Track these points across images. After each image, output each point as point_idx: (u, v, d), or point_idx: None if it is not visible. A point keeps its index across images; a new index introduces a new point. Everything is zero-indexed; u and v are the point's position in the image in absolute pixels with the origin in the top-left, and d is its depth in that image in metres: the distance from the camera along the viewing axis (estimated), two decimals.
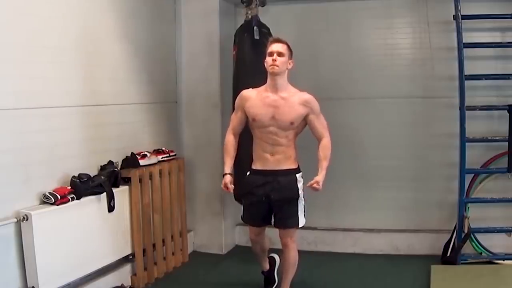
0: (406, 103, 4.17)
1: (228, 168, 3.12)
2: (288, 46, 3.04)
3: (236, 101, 3.19)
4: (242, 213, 3.25)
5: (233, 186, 3.10)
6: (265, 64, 3.02)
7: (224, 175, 3.11)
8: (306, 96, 3.06)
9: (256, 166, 3.11)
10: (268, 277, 3.47)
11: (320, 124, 3.08)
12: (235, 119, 3.18)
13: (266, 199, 3.06)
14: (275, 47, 2.99)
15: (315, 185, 2.95)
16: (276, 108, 3.00)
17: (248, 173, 3.16)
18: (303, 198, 3.10)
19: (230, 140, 3.16)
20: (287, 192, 3.05)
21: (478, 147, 3.88)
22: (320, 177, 2.97)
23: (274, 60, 2.96)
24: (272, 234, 3.40)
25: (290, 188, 3.06)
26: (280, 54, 2.97)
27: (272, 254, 3.53)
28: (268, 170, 3.06)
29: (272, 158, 3.05)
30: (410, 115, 4.18)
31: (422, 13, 4.06)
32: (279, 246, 3.23)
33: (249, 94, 3.11)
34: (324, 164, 3.02)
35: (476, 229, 3.80)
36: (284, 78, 3.04)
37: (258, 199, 3.08)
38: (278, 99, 3.01)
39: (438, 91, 4.08)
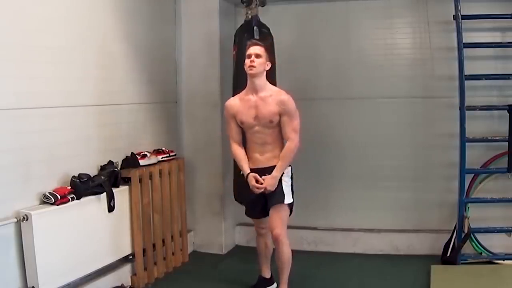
0: (406, 103, 4.17)
1: (247, 168, 3.21)
2: (266, 48, 3.19)
3: (224, 114, 3.32)
4: (245, 210, 3.43)
5: (263, 180, 3.15)
6: (244, 66, 3.14)
7: (247, 175, 3.18)
8: (282, 96, 3.15)
9: (250, 165, 3.24)
10: (259, 283, 3.46)
11: (290, 126, 3.13)
12: (232, 130, 3.29)
13: (261, 193, 3.16)
14: (252, 49, 3.13)
15: (261, 188, 3.10)
16: (256, 108, 3.14)
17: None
18: (290, 179, 3.20)
19: (237, 149, 3.28)
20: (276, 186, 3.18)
21: (478, 147, 3.88)
22: (269, 177, 3.11)
23: (252, 61, 3.09)
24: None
25: (278, 182, 3.17)
26: (257, 56, 3.10)
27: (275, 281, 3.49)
28: (259, 168, 3.19)
29: (261, 157, 3.20)
30: (410, 115, 4.18)
31: (422, 13, 4.06)
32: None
33: (233, 103, 3.27)
34: (279, 164, 3.13)
35: (476, 229, 3.80)
36: (262, 78, 3.16)
37: (254, 195, 3.19)
38: (257, 100, 3.15)
39: (438, 91, 4.07)
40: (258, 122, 3.15)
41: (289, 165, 3.22)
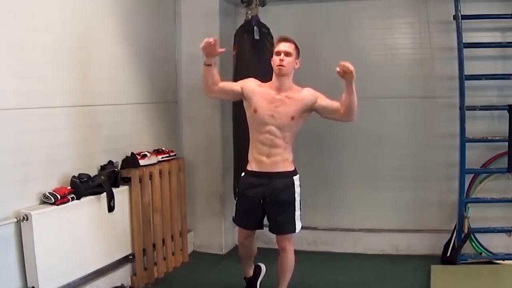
0: (406, 103, 4.17)
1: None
2: (296, 45, 2.98)
3: (245, 80, 3.09)
4: (234, 215, 3.20)
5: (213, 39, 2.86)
6: (272, 63, 2.97)
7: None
8: (304, 91, 2.99)
9: (252, 167, 3.03)
10: (250, 284, 3.38)
11: (329, 100, 2.94)
12: (230, 83, 3.09)
13: (261, 202, 2.99)
14: (282, 46, 2.93)
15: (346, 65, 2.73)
16: (276, 107, 2.94)
17: (242, 174, 3.11)
18: (299, 202, 3.03)
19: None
20: (283, 195, 2.97)
21: (478, 147, 3.88)
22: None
23: (281, 60, 2.90)
24: (268, 233, 3.38)
25: (287, 191, 2.98)
26: (287, 54, 2.91)
27: (259, 263, 3.45)
28: (264, 172, 2.97)
29: (268, 161, 2.96)
30: (410, 115, 4.18)
31: (422, 13, 4.06)
32: (274, 246, 3.19)
33: (257, 82, 3.04)
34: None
35: (476, 229, 3.81)
36: (290, 78, 2.98)
37: (253, 203, 3.01)
38: (279, 98, 2.94)
39: (438, 91, 4.08)
40: (274, 121, 2.91)
41: (297, 174, 3.03)
